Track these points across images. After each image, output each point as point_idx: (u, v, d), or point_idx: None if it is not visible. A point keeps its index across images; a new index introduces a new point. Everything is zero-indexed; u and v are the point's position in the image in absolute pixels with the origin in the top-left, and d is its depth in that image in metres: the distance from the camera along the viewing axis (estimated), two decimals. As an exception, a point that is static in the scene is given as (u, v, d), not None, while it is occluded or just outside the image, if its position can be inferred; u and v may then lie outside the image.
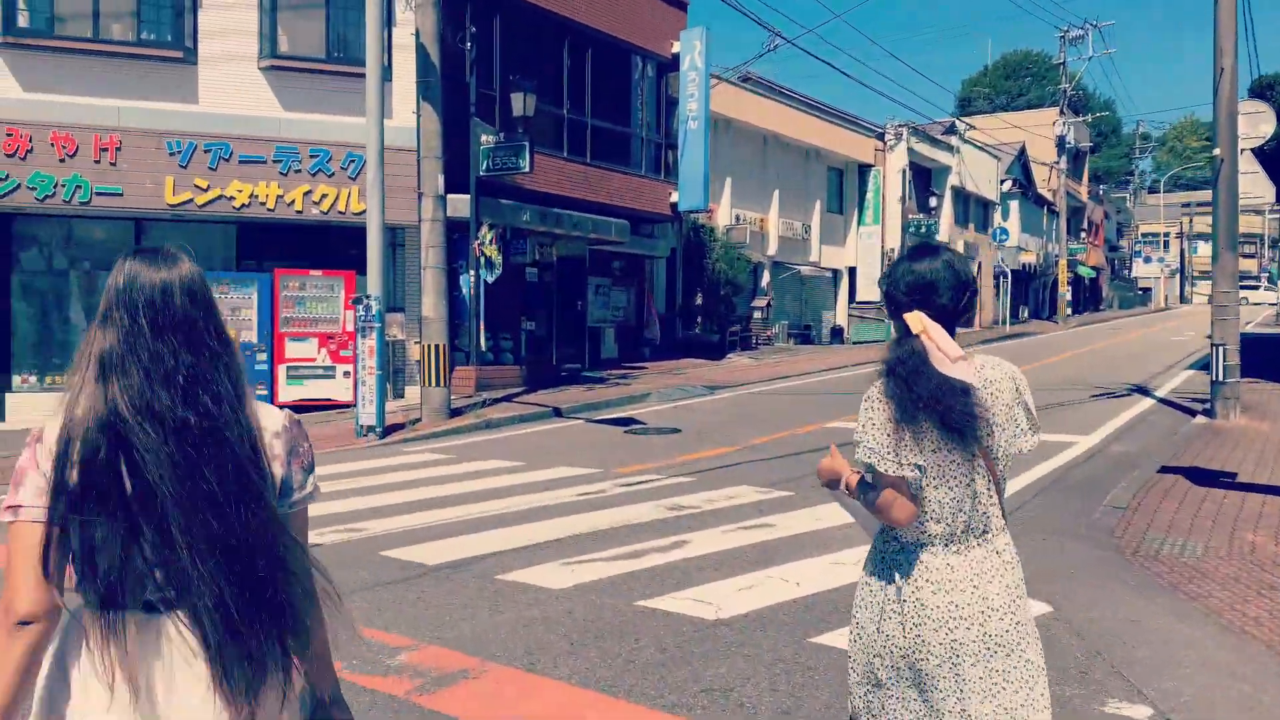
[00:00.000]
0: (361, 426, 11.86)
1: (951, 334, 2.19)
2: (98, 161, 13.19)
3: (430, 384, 12.84)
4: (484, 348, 16.64)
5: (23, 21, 13.17)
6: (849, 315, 31.29)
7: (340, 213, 14.52)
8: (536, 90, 15.93)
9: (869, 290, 31.47)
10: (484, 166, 15.48)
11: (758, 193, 26.57)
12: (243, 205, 13.99)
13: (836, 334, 30.56)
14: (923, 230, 33.11)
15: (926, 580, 2.17)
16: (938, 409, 2.09)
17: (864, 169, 31.62)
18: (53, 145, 12.98)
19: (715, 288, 23.17)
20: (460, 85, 15.71)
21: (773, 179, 27.18)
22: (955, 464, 2.15)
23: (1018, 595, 2.20)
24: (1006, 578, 2.19)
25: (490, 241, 15.71)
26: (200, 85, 13.93)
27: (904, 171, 32.09)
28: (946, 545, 2.18)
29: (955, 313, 2.23)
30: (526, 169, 15.17)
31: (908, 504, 2.16)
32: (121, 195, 13.34)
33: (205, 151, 13.75)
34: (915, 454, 2.13)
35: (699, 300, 23.11)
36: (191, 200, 13.70)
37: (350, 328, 13.62)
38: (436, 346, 12.92)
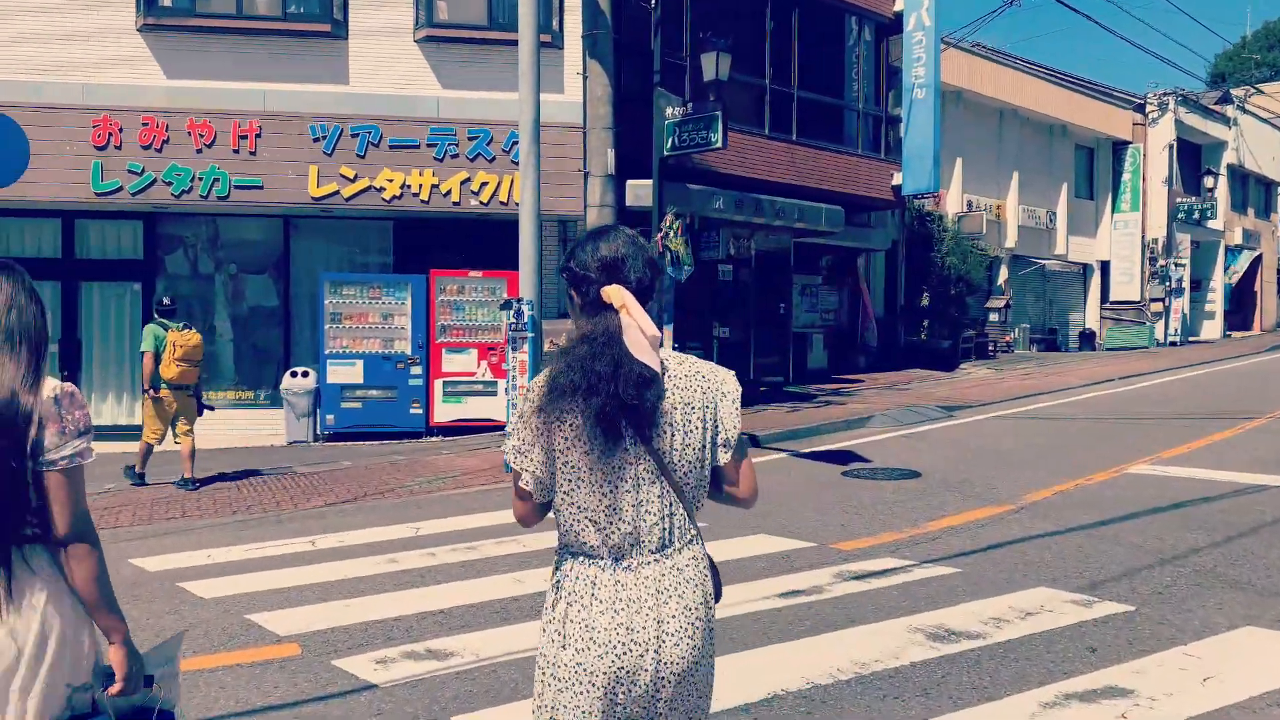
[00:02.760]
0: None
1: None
2: (236, 151, 11.73)
3: (598, 406, 10.47)
4: (670, 359, 14.16)
5: (165, 1, 11.92)
6: (1101, 317, 26.95)
7: (502, 204, 12.47)
8: (732, 53, 13.31)
9: (1125, 288, 27.00)
10: (668, 144, 13.01)
11: (994, 175, 22.87)
12: (393, 197, 12.18)
13: (1087, 338, 26.27)
14: (1195, 215, 27.97)
15: (594, 599, 1.92)
16: (600, 394, 1.88)
17: (1119, 146, 27.11)
18: (189, 134, 11.63)
19: (945, 286, 19.74)
20: (643, 51, 13.35)
21: (1011, 160, 23.40)
22: (606, 466, 1.92)
23: (698, 617, 1.95)
24: (687, 597, 1.93)
25: (676, 233, 13.20)
26: (350, 62, 12.27)
27: (1170, 148, 27.23)
28: (617, 560, 1.93)
29: (645, 293, 2.03)
30: (719, 144, 12.58)
31: (521, 502, 2.04)
32: (261, 188, 11.82)
33: (352, 136, 12.04)
34: (542, 449, 1.96)
35: (925, 300, 19.76)
36: (338, 192, 12.02)
37: (514, 337, 11.50)
38: (606, 360, 10.54)
